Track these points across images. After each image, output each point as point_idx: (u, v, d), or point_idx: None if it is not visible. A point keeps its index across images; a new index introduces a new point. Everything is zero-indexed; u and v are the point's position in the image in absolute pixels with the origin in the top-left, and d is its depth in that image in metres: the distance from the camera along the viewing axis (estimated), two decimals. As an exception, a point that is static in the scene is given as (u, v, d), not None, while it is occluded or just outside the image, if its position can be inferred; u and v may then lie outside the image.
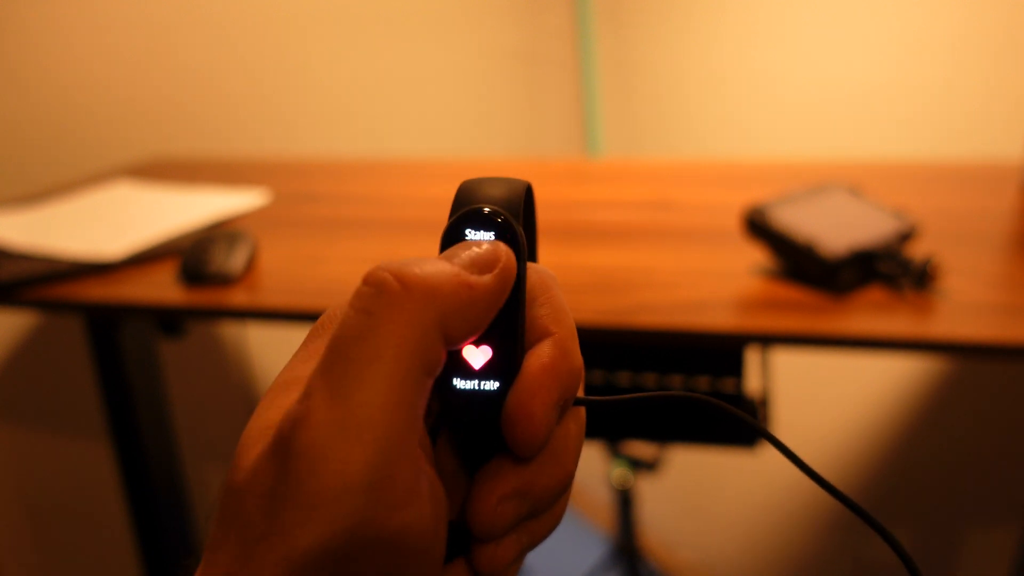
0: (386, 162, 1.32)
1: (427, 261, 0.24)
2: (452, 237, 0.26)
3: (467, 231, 0.26)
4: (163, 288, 0.84)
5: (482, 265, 0.25)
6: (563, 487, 0.26)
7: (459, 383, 0.25)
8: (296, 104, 1.49)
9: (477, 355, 0.26)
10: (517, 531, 0.26)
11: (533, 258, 0.30)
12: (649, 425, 0.92)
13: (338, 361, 0.23)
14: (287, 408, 0.23)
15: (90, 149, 1.27)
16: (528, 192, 0.28)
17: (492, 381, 0.25)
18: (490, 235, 0.26)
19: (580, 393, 0.27)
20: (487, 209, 0.26)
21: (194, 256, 0.86)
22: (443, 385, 0.26)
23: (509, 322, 0.25)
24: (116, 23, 1.26)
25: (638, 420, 0.91)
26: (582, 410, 0.27)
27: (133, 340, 1.10)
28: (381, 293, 0.23)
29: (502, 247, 0.25)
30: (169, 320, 1.10)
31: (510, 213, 0.26)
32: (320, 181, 1.23)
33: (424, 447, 0.25)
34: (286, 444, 0.22)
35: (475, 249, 0.25)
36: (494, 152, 1.80)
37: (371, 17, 1.56)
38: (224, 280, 0.84)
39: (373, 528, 0.22)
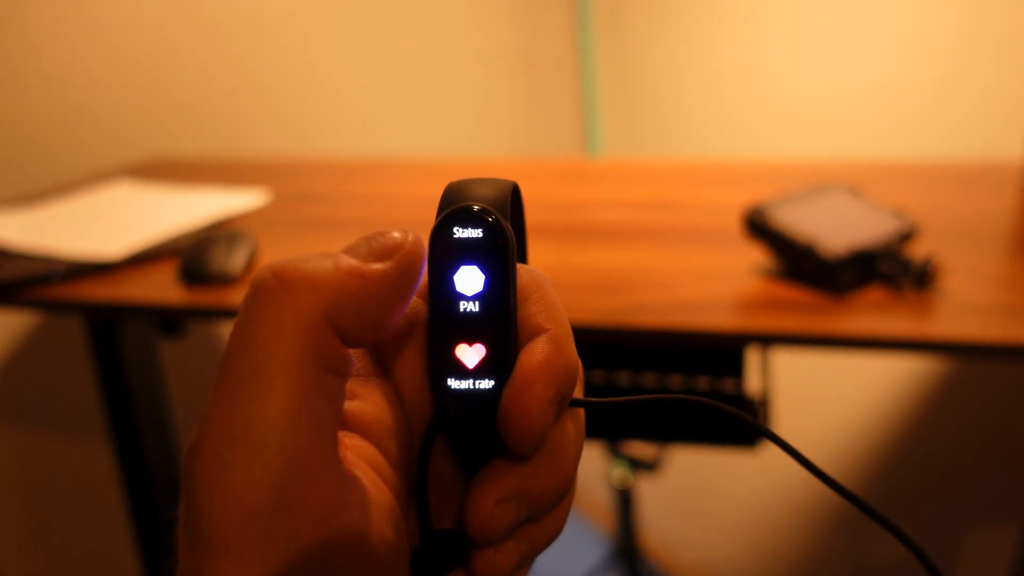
0: (386, 162, 1.32)
1: (313, 255, 0.23)
2: (440, 236, 0.26)
3: (455, 229, 0.26)
4: (163, 288, 0.84)
5: (380, 252, 0.24)
6: (562, 490, 0.26)
7: (453, 383, 0.25)
8: (296, 104, 1.49)
9: (471, 354, 0.25)
10: (516, 537, 0.25)
11: (523, 259, 0.29)
12: (649, 425, 0.92)
13: (225, 377, 0.21)
14: (190, 438, 0.22)
15: (90, 149, 1.27)
16: (515, 192, 0.28)
17: (487, 380, 0.25)
18: (478, 232, 0.25)
19: (579, 395, 0.27)
20: (476, 207, 0.26)
21: (194, 256, 0.86)
22: (437, 386, 0.25)
23: (501, 319, 0.25)
24: (116, 23, 1.26)
25: (638, 420, 0.91)
26: (581, 412, 0.27)
27: (133, 340, 1.10)
28: (258, 292, 0.22)
29: (409, 235, 0.24)
30: (169, 320, 1.09)
31: (498, 211, 0.26)
32: (320, 181, 1.23)
33: (353, 450, 0.24)
34: (188, 473, 0.21)
35: (377, 239, 0.24)
36: (494, 152, 1.80)
37: (371, 17, 1.56)
38: (224, 280, 0.84)
39: (293, 549, 0.21)
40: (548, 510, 0.26)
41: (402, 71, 1.62)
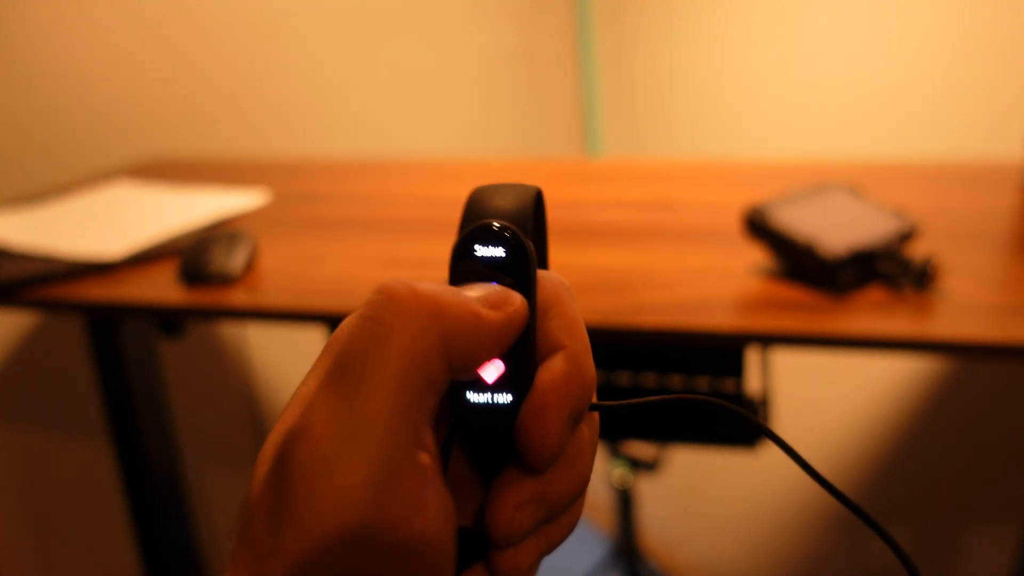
0: (386, 162, 1.32)
1: (439, 283, 0.24)
2: (462, 253, 0.26)
3: (476, 247, 0.26)
4: (163, 288, 0.84)
5: (493, 302, 0.25)
6: (579, 491, 0.26)
7: (472, 396, 0.26)
8: (296, 104, 1.49)
9: (490, 369, 0.26)
10: (535, 536, 0.26)
11: (544, 263, 0.30)
12: (649, 425, 0.92)
13: (342, 373, 0.23)
14: (291, 423, 0.23)
15: (90, 149, 1.27)
16: (538, 199, 0.29)
17: (505, 394, 0.26)
18: (499, 251, 0.26)
19: (593, 398, 0.27)
20: (496, 225, 0.26)
21: (194, 256, 0.86)
22: (456, 398, 0.26)
23: (520, 337, 0.26)
24: (116, 23, 1.26)
25: (638, 420, 0.91)
26: (596, 415, 0.28)
27: (133, 340, 1.10)
28: (392, 301, 0.23)
29: (516, 295, 0.25)
30: (169, 320, 1.10)
31: (520, 224, 0.26)
32: (320, 181, 1.23)
33: (432, 457, 0.25)
34: (285, 459, 0.22)
35: (496, 292, 0.25)
36: (494, 152, 1.80)
37: (371, 17, 1.56)
38: (224, 280, 0.84)
39: (378, 541, 0.22)
40: (565, 510, 0.26)
41: (402, 71, 1.62)
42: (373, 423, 0.22)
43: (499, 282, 0.26)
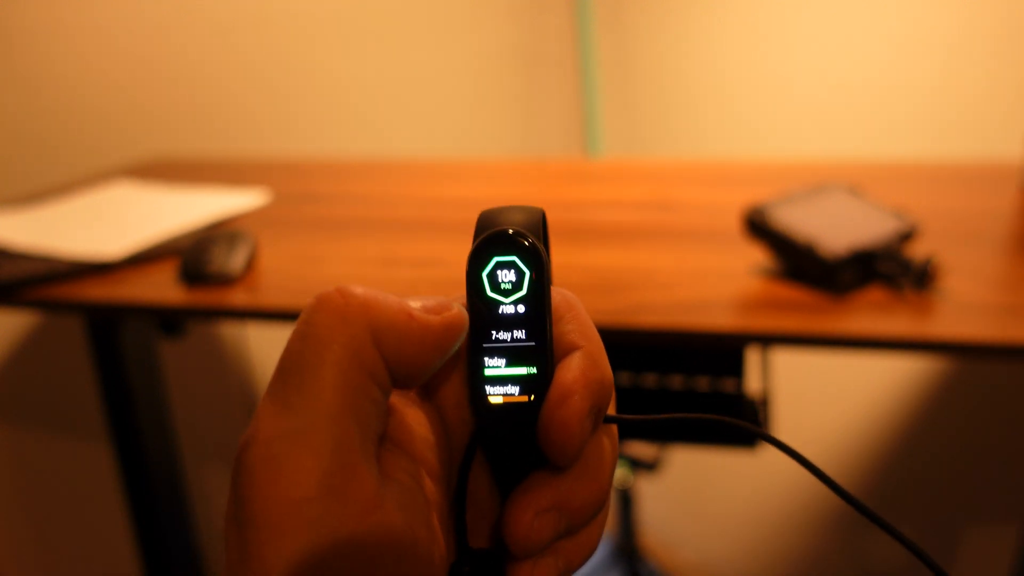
0: (386, 162, 1.32)
1: (378, 290, 0.25)
2: (478, 259, 0.27)
3: (492, 253, 0.27)
4: (163, 288, 0.84)
5: (431, 308, 0.25)
6: (599, 503, 0.26)
7: (493, 398, 0.26)
8: (296, 104, 1.49)
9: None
10: (554, 552, 0.26)
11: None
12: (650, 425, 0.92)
13: (283, 379, 0.23)
14: (243, 436, 0.23)
15: (90, 149, 1.27)
16: (544, 218, 0.29)
17: (526, 395, 0.26)
18: (514, 258, 0.27)
19: (612, 412, 0.27)
20: (511, 231, 0.27)
21: (194, 256, 0.86)
22: (477, 402, 0.26)
23: (539, 337, 0.26)
24: (115, 23, 1.26)
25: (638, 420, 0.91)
26: (615, 427, 0.28)
27: (133, 340, 1.10)
28: (322, 303, 0.24)
29: (456, 305, 0.26)
30: (169, 320, 1.10)
31: (533, 234, 0.27)
32: (320, 181, 1.23)
33: (391, 453, 0.25)
34: (239, 466, 0.22)
35: (437, 300, 0.26)
36: (494, 152, 1.80)
37: (371, 17, 1.56)
38: (224, 280, 0.84)
39: (340, 537, 0.21)
40: (585, 524, 0.26)
41: (402, 71, 1.62)
42: (316, 415, 0.22)
43: (514, 287, 0.27)
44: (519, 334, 0.26)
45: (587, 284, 0.79)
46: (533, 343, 0.26)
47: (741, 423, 0.27)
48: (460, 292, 0.28)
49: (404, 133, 1.65)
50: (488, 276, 0.27)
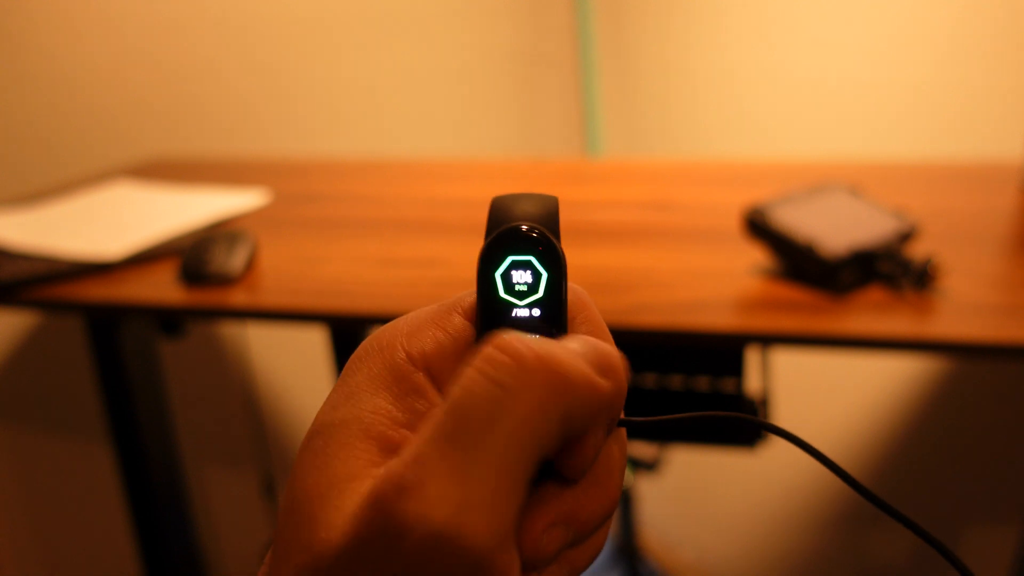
0: (386, 162, 1.32)
1: (557, 345, 0.23)
2: (491, 258, 0.25)
3: (507, 251, 0.25)
4: (163, 288, 0.84)
5: (605, 368, 0.24)
6: (607, 514, 0.26)
7: None
8: (296, 104, 1.49)
9: None
10: (559, 561, 0.25)
11: None
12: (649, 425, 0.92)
13: (461, 433, 0.22)
14: (386, 468, 0.22)
15: (90, 149, 1.27)
16: (557, 207, 0.28)
17: None
18: (530, 257, 0.25)
19: (621, 414, 0.27)
20: (525, 227, 0.25)
21: (194, 256, 0.86)
22: None
23: (554, 338, 0.25)
24: (116, 23, 1.26)
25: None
26: (623, 433, 0.27)
27: (133, 340, 1.09)
28: (521, 368, 0.22)
29: (618, 356, 0.25)
30: (169, 320, 1.10)
31: (548, 228, 0.25)
32: (320, 181, 1.23)
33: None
34: (390, 511, 0.21)
35: (598, 347, 0.24)
36: (494, 152, 1.80)
37: (371, 17, 1.56)
38: (224, 280, 0.84)
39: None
40: (591, 534, 0.26)
41: (402, 71, 1.62)
42: (490, 493, 0.21)
43: (530, 289, 0.25)
44: None
45: (587, 284, 0.79)
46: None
47: (755, 419, 0.27)
48: (463, 291, 0.27)
49: (404, 133, 1.65)
50: (502, 276, 0.25)
